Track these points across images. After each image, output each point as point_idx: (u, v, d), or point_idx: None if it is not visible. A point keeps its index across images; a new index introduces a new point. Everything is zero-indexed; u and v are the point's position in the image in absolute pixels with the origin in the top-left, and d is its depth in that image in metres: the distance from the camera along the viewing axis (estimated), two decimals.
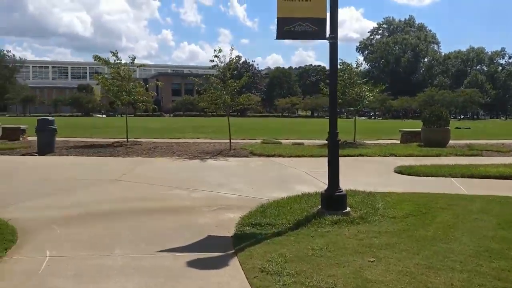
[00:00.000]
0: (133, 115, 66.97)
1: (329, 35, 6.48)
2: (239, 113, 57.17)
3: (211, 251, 4.90)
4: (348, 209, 6.43)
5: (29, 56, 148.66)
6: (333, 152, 6.55)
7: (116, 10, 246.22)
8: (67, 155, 14.04)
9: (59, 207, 6.99)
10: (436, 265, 4.38)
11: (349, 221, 5.99)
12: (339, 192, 6.45)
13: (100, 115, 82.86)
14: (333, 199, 6.36)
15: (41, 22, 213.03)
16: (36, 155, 14.00)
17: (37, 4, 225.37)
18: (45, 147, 14.35)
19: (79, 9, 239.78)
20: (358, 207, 6.68)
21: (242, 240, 5.17)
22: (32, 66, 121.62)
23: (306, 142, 18.83)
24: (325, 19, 6.49)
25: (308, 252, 4.73)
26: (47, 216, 6.35)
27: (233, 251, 4.90)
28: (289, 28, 6.44)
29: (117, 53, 17.22)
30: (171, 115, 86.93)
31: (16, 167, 11.65)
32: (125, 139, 18.31)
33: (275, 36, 6.54)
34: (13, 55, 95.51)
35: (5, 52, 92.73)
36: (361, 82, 18.89)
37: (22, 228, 5.59)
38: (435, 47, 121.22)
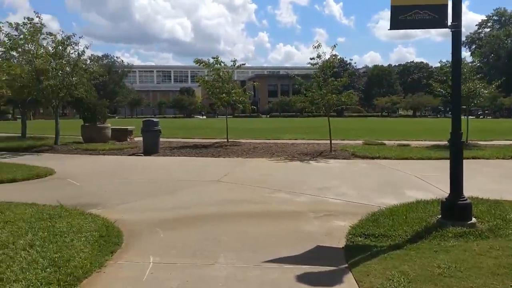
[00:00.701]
0: (231, 116, 68.48)
1: (451, 23, 5.72)
2: (336, 113, 56.00)
3: (322, 264, 4.45)
4: (474, 220, 5.62)
5: (136, 61, 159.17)
6: (456, 154, 5.77)
7: (214, 14, 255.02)
8: (171, 156, 14.39)
9: (163, 208, 6.96)
10: None
11: (476, 234, 5.20)
12: (463, 200, 5.66)
13: (201, 117, 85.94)
14: (457, 208, 5.58)
15: (146, 29, 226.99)
16: (141, 155, 14.52)
17: (143, 12, 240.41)
18: (150, 148, 14.84)
19: (180, 16, 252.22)
20: (485, 218, 5.82)
21: (355, 253, 4.65)
22: (139, 71, 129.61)
23: (412, 143, 17.65)
24: (446, 6, 5.74)
25: (434, 271, 4.09)
26: (151, 218, 6.31)
27: (346, 265, 4.40)
28: (404, 17, 5.79)
29: (218, 57, 17.43)
30: (268, 115, 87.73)
31: (123, 167, 12.09)
32: (225, 140, 18.48)
33: (389, 26, 5.93)
34: (122, 61, 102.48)
35: (115, 58, 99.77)
36: (474, 78, 17.24)
37: (127, 230, 5.57)
38: None
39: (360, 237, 5.16)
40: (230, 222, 6.09)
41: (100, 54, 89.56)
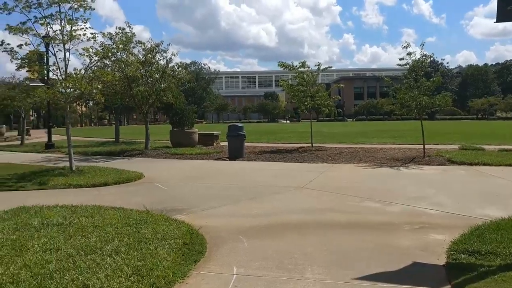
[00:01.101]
0: (316, 120, 67.78)
1: None
2: (427, 116, 53.28)
3: (420, 284, 3.98)
4: None
5: (222, 68, 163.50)
6: None
7: (298, 18, 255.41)
8: (255, 160, 14.32)
9: (247, 215, 6.80)
10: None
11: None
12: None
13: (285, 121, 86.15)
14: None
15: (231, 36, 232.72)
16: (227, 160, 14.61)
17: (228, 20, 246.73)
18: (235, 152, 14.89)
19: (265, 21, 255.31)
20: None
21: (459, 273, 4.12)
22: (225, 77, 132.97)
23: None
24: None
25: None
26: (235, 225, 6.16)
27: (449, 286, 3.90)
28: None
29: (305, 62, 17.16)
30: (354, 119, 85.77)
31: (209, 172, 12.18)
32: (310, 144, 18.13)
33: (495, 19, 5.30)
34: (209, 67, 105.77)
35: (202, 65, 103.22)
36: None
37: (210, 238, 5.44)
38: None
39: (464, 254, 4.59)
40: (317, 233, 5.76)
41: (188, 61, 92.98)
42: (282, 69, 17.37)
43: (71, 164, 11.28)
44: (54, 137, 29.92)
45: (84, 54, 10.65)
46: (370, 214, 6.78)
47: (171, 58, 17.67)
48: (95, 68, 11.31)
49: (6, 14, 10.43)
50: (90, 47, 11.24)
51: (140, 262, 4.34)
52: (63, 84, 10.30)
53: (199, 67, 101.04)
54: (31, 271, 4.09)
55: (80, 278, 3.94)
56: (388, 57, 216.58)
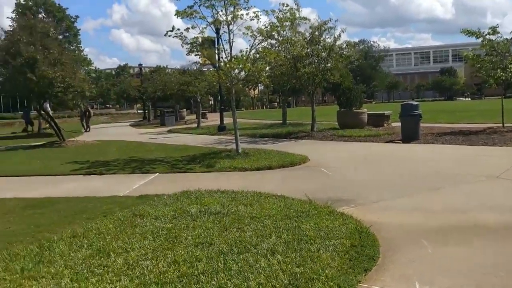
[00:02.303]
0: (502, 96, 59.96)
1: None
2: None
3: None
4: None
5: (392, 45, 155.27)
6: None
7: None
8: (433, 143, 12.67)
9: (427, 210, 5.64)
10: None
11: None
12: None
13: (464, 98, 78.35)
14: None
15: (401, 11, 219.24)
16: (399, 143, 13.22)
17: None
18: (409, 134, 13.38)
19: None
20: None
21: None
22: (395, 54, 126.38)
23: None
24: None
25: None
26: (414, 223, 5.09)
27: None
28: None
29: (496, 27, 14.62)
30: None
31: (379, 156, 11.05)
32: (500, 124, 15.55)
33: None
34: (378, 45, 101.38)
35: (371, 43, 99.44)
36: None
37: (383, 239, 4.50)
38: None
39: None
40: None
41: (356, 40, 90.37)
42: (463, 40, 15.11)
43: (237, 147, 11.25)
44: (227, 120, 31.62)
45: (247, 34, 10.37)
46: None
47: (339, 35, 16.69)
48: (260, 48, 10.97)
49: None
50: (258, 28, 10.89)
51: (299, 269, 3.64)
52: (227, 65, 10.19)
53: (368, 45, 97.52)
54: (179, 270, 3.68)
55: (229, 284, 3.39)
56: None
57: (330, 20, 16.06)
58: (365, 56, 79.65)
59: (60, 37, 40.61)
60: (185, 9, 10.20)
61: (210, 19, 10.53)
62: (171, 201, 6.19)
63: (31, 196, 7.57)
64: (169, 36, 10.86)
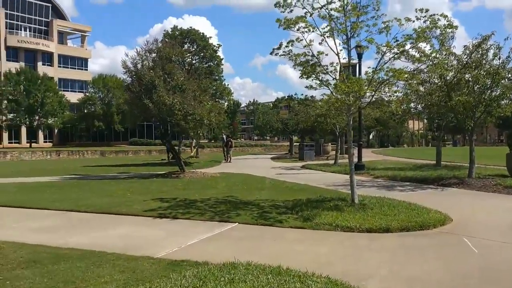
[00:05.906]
0: None
1: None
2: None
3: None
4: None
5: None
6: None
7: None
8: None
9: None
10: None
11: None
12: None
13: None
14: None
15: None
16: None
17: None
18: None
19: None
20: None
21: None
22: None
23: None
24: None
25: None
26: None
27: None
28: None
29: None
30: None
31: None
32: None
33: None
34: None
35: None
36: None
37: None
38: None
39: None
40: None
41: None
42: None
43: (353, 195, 8.62)
44: (378, 157, 28.34)
45: (368, 47, 7.86)
46: None
47: (508, 56, 12.86)
48: (388, 67, 8.27)
49: (288, 12, 8.72)
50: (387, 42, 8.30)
51: None
52: (337, 88, 7.77)
53: None
54: None
55: None
56: None
57: (494, 34, 12.37)
58: None
59: (205, 65, 41.95)
60: (293, 18, 8.08)
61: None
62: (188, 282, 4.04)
63: (55, 245, 6.14)
64: (278, 55, 8.92)
